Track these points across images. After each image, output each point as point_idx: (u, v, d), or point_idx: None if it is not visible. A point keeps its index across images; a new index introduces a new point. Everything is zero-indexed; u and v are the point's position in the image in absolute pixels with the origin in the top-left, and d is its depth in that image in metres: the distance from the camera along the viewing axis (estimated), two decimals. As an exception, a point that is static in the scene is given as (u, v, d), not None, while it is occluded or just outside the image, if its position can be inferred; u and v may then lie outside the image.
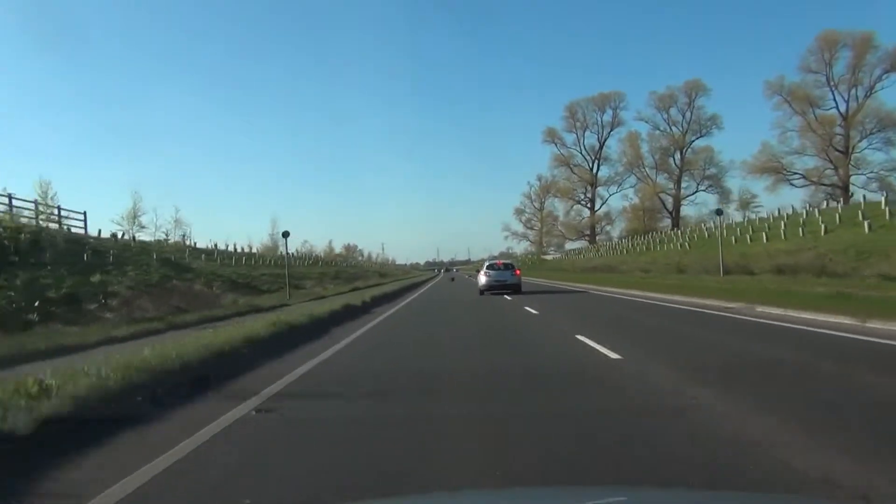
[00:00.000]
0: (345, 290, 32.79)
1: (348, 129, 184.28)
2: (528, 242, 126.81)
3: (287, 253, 25.37)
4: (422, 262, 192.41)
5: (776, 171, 78.50)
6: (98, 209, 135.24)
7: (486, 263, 32.31)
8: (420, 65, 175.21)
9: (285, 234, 24.61)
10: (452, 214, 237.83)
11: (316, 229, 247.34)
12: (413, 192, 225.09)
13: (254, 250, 55.40)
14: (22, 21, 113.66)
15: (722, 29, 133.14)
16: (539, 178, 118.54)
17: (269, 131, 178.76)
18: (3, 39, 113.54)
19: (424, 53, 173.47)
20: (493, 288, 28.61)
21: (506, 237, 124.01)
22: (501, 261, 33.77)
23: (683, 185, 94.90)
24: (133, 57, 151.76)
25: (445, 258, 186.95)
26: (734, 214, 77.51)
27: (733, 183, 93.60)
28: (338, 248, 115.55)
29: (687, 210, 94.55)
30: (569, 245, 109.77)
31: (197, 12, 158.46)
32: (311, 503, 3.47)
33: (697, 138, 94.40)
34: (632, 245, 66.28)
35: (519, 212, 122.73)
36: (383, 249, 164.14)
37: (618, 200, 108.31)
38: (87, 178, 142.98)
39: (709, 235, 47.19)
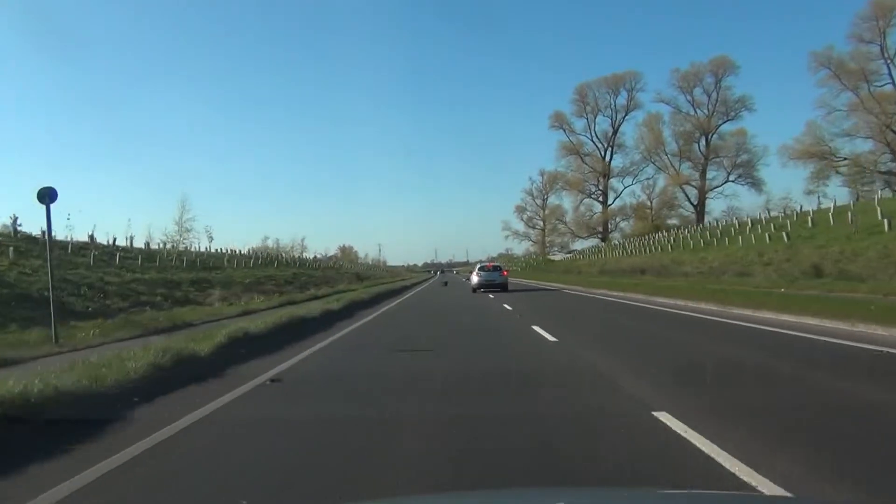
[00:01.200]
0: (260, 306, 21.13)
1: (346, 131, 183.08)
2: (530, 242, 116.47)
3: (49, 234, 11.70)
4: (419, 263, 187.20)
5: (822, 156, 66.74)
6: (96, 211, 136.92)
7: (478, 266, 36.07)
8: (417, 65, 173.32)
9: (45, 197, 11.11)
10: (450, 216, 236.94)
11: (314, 231, 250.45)
12: (410, 193, 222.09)
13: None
14: (22, 23, 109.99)
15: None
16: (542, 174, 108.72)
17: (269, 133, 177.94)
18: (4, 41, 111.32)
19: (421, 54, 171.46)
20: (484, 286, 31.51)
21: (506, 237, 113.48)
22: (491, 264, 40.07)
23: (709, 175, 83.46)
24: (131, 61, 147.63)
25: (443, 259, 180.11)
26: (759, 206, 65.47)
27: (766, 173, 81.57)
28: (333, 250, 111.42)
29: (713, 203, 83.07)
30: (578, 244, 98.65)
31: (196, 16, 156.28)
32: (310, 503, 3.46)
33: (724, 122, 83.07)
34: (655, 242, 54.88)
35: (520, 209, 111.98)
36: (380, 251, 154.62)
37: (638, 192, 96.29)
38: (86, 179, 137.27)
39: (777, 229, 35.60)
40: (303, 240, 72.18)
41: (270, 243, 59.50)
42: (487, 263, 39.50)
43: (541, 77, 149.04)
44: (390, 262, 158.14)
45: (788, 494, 3.37)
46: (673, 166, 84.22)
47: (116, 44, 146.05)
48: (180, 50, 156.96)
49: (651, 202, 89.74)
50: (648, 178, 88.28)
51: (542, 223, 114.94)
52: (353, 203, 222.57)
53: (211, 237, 47.57)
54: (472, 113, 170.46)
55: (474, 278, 32.50)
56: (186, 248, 42.71)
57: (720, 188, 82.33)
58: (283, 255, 52.86)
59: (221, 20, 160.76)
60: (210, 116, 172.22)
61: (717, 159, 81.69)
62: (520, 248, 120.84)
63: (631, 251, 53.34)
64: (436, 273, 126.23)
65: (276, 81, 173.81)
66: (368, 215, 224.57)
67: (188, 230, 46.84)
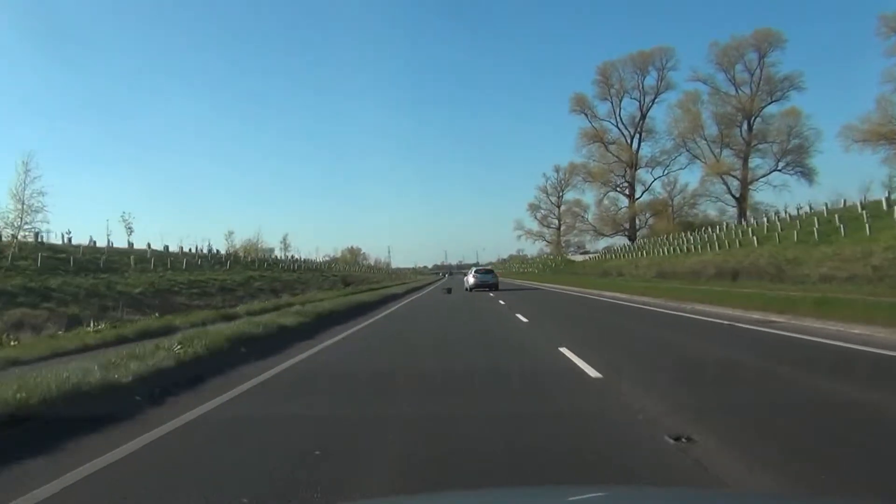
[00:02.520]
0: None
1: (354, 134, 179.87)
2: (545, 242, 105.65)
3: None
4: (429, 265, 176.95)
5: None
6: (95, 212, 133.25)
7: (474, 269, 42.70)
8: (422, 66, 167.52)
9: None
10: (460, 218, 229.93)
11: (324, 235, 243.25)
12: (419, 196, 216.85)
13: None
14: (23, 25, 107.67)
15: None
16: (557, 169, 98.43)
17: (275, 138, 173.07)
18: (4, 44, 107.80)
19: (428, 54, 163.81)
20: (479, 286, 35.91)
21: (519, 236, 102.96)
22: (484, 267, 50.97)
23: (751, 163, 71.89)
24: (131, 63, 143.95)
25: (453, 261, 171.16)
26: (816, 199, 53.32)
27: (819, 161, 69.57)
28: (340, 252, 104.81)
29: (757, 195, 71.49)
30: (601, 242, 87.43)
31: (196, 19, 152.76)
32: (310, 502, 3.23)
33: (769, 103, 71.50)
34: (725, 234, 43.67)
35: (533, 207, 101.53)
36: (389, 253, 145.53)
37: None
38: (86, 180, 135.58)
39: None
40: (285, 237, 61.67)
41: (237, 241, 48.35)
42: (482, 267, 49.04)
43: (554, 71, 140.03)
44: (402, 265, 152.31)
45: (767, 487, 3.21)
46: (713, 153, 72.60)
47: (117, 45, 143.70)
48: (181, 51, 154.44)
49: (672, 199, 78.74)
50: (681, 168, 77.12)
51: (557, 222, 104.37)
52: (363, 206, 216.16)
53: (131, 228, 33.48)
54: (481, 112, 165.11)
55: (470, 279, 38.11)
56: (41, 236, 28.03)
57: (766, 177, 70.90)
58: (245, 253, 42.05)
59: (226, 23, 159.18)
60: (215, 118, 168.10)
61: (764, 145, 70.22)
62: (533, 248, 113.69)
63: (687, 248, 42.01)
64: (444, 275, 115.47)
65: (279, 83, 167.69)
66: (378, 218, 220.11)
67: (37, 210, 26.91)
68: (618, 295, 23.13)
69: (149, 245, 32.10)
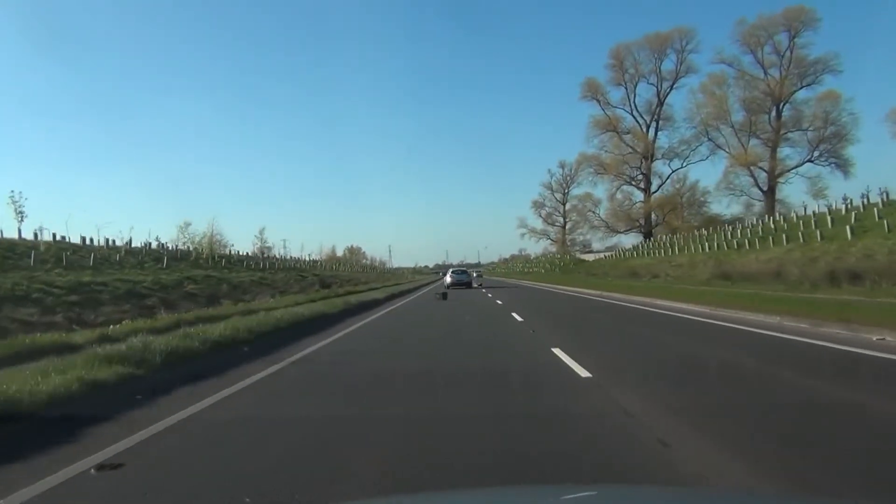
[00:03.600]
0: None
1: (356, 134, 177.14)
2: (549, 241, 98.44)
3: None
4: (431, 264, 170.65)
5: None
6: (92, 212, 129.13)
7: (451, 270, 50.91)
8: (425, 65, 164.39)
9: None
10: (461, 217, 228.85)
11: (325, 234, 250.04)
12: (420, 195, 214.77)
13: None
14: (23, 26, 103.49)
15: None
16: (562, 165, 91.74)
17: (277, 138, 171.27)
18: (5, 44, 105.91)
19: (430, 53, 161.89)
20: (456, 284, 41.58)
21: (522, 235, 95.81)
22: (460, 268, 55.58)
23: (780, 153, 64.27)
24: (133, 64, 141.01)
25: (455, 261, 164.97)
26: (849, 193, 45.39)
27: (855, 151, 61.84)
28: (340, 251, 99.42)
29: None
30: (610, 240, 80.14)
31: (197, 19, 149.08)
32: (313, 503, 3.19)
33: (799, 88, 63.94)
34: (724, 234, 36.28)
35: (538, 205, 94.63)
36: (390, 253, 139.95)
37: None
38: (84, 181, 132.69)
39: None
40: (262, 231, 54.31)
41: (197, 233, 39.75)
42: (459, 268, 54.29)
43: (556, 70, 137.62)
44: (403, 264, 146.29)
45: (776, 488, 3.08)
46: (740, 142, 64.96)
47: (118, 45, 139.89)
48: (183, 52, 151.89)
49: (682, 197, 71.26)
50: (702, 160, 69.56)
51: (562, 219, 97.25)
52: (365, 206, 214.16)
53: (22, 213, 25.96)
54: (482, 111, 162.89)
55: (447, 279, 44.17)
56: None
57: (797, 169, 63.22)
58: (200, 249, 34.40)
59: (231, 25, 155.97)
60: (216, 118, 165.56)
61: (795, 133, 62.63)
62: (536, 247, 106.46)
63: (722, 245, 34.41)
64: (443, 275, 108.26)
65: (281, 82, 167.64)
66: (379, 218, 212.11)
67: None
68: (692, 308, 15.73)
69: (37, 235, 24.57)
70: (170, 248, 33.64)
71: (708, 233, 45.36)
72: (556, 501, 2.20)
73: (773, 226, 33.14)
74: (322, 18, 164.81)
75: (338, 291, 29.25)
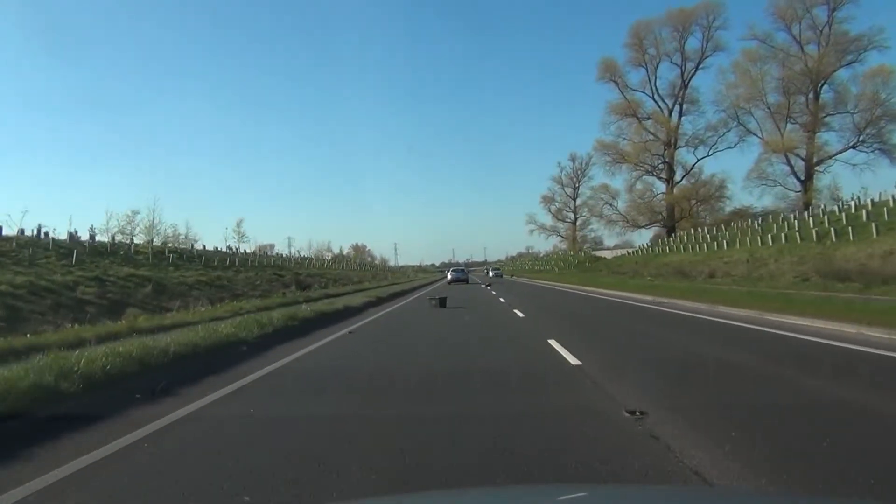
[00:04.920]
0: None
1: (361, 133, 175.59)
2: (559, 237, 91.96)
3: None
4: (437, 263, 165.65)
5: None
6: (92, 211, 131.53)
7: (451, 269, 60.19)
8: (430, 63, 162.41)
9: None
10: (468, 215, 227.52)
11: (331, 233, 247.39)
12: (426, 193, 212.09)
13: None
14: (23, 27, 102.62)
15: None
16: (573, 158, 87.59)
17: (281, 137, 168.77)
18: (6, 45, 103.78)
19: (433, 52, 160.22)
20: (455, 280, 49.78)
21: (531, 231, 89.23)
22: (459, 267, 63.65)
23: (819, 138, 57.15)
24: (136, 62, 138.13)
25: (461, 259, 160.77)
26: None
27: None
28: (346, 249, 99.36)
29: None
30: (627, 235, 73.46)
31: (199, 18, 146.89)
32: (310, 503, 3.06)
33: (839, 67, 56.81)
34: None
35: (547, 200, 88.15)
36: (395, 251, 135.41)
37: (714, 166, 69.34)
38: (85, 181, 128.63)
39: None
40: (239, 223, 48.16)
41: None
42: (458, 267, 63.11)
43: (560, 67, 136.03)
44: (409, 262, 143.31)
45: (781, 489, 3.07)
46: (777, 126, 57.88)
47: (119, 44, 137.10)
48: (184, 51, 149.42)
49: (712, 188, 64.29)
50: (730, 147, 62.56)
51: (573, 215, 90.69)
52: (371, 204, 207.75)
53: None
54: (488, 109, 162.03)
55: (448, 276, 54.27)
56: None
57: (840, 156, 56.06)
58: (172, 243, 27.91)
59: (232, 24, 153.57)
60: (217, 118, 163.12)
61: (835, 116, 55.50)
62: (545, 244, 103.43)
63: (780, 236, 27.41)
64: (448, 274, 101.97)
65: (284, 82, 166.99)
66: (385, 216, 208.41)
67: None
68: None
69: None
70: (101, 241, 27.02)
71: (756, 224, 38.41)
72: (554, 502, 2.08)
73: (864, 215, 26.04)
74: (324, 17, 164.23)
75: (310, 295, 22.65)
